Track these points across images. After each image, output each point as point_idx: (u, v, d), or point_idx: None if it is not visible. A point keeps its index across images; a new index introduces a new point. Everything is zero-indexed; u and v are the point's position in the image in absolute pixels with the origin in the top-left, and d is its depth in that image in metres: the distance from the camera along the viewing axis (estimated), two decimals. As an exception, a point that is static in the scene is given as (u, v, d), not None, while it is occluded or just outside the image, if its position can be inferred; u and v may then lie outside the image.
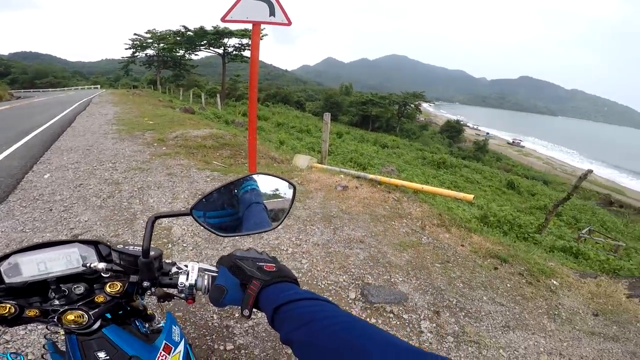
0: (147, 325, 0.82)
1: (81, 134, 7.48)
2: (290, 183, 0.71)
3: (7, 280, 0.65)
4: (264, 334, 1.96)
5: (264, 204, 0.70)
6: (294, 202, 0.74)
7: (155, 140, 6.68)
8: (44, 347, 0.82)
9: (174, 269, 0.66)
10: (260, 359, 1.80)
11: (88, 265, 0.68)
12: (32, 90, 42.90)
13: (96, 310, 0.66)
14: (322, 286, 2.47)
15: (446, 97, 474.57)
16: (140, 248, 0.65)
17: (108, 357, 0.62)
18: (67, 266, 0.69)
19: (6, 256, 0.66)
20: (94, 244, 0.72)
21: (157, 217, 0.65)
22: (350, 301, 2.34)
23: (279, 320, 0.47)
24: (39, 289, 0.68)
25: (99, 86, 48.58)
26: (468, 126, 78.47)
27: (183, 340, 0.77)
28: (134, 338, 0.69)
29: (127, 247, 0.66)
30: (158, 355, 0.67)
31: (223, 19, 3.43)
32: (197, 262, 0.67)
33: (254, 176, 0.71)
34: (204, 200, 0.67)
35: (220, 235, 0.67)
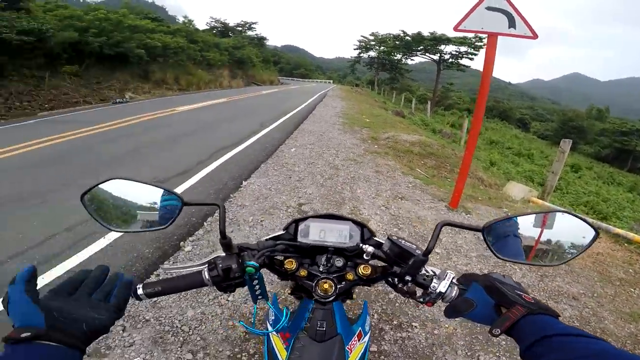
0: None
1: (318, 121, 9.29)
2: (593, 228, 0.61)
3: (299, 239, 0.78)
4: (410, 349, 1.91)
5: (521, 238, 0.66)
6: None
7: (369, 138, 7.43)
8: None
9: (422, 271, 0.67)
10: (394, 370, 1.76)
11: (358, 244, 0.74)
12: (288, 78, 56.32)
13: (342, 285, 0.72)
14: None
15: None
16: (412, 244, 0.68)
17: (324, 328, 0.67)
18: (338, 239, 0.77)
19: (304, 219, 0.80)
20: (362, 226, 0.79)
21: (446, 224, 0.66)
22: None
23: (545, 350, 0.47)
24: (311, 253, 0.77)
25: (331, 81, 58.30)
26: None
27: (370, 331, 0.79)
28: (345, 317, 0.73)
29: (400, 239, 0.69)
30: (352, 339, 0.70)
31: (455, 28, 3.32)
32: (452, 271, 0.66)
33: (557, 214, 0.66)
34: (498, 223, 0.65)
35: (499, 257, 0.65)
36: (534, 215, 0.65)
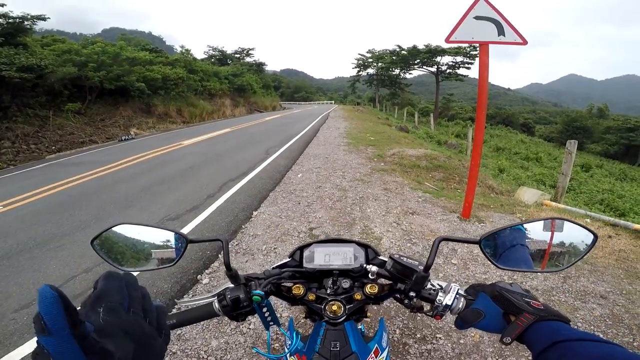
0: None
1: (322, 144, 9.38)
2: (591, 232, 0.62)
3: (305, 264, 0.80)
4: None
5: (527, 246, 0.66)
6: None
7: (375, 156, 7.44)
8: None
9: (429, 285, 0.69)
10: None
11: (363, 265, 0.76)
12: (290, 102, 57.31)
13: (351, 305, 0.74)
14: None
15: None
16: (414, 261, 0.70)
17: (338, 349, 0.68)
18: (343, 262, 0.79)
19: (308, 245, 0.82)
20: (365, 247, 0.82)
21: (443, 239, 0.67)
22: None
23: (557, 356, 0.47)
24: (318, 277, 0.79)
25: (333, 101, 59.28)
26: None
27: (388, 347, 0.80)
28: (359, 336, 0.74)
29: (402, 257, 0.71)
30: (369, 356, 0.70)
31: (447, 40, 3.39)
32: (457, 284, 0.67)
33: (556, 221, 0.65)
34: (495, 234, 0.66)
35: (498, 267, 0.66)
36: (540, 222, 0.65)
